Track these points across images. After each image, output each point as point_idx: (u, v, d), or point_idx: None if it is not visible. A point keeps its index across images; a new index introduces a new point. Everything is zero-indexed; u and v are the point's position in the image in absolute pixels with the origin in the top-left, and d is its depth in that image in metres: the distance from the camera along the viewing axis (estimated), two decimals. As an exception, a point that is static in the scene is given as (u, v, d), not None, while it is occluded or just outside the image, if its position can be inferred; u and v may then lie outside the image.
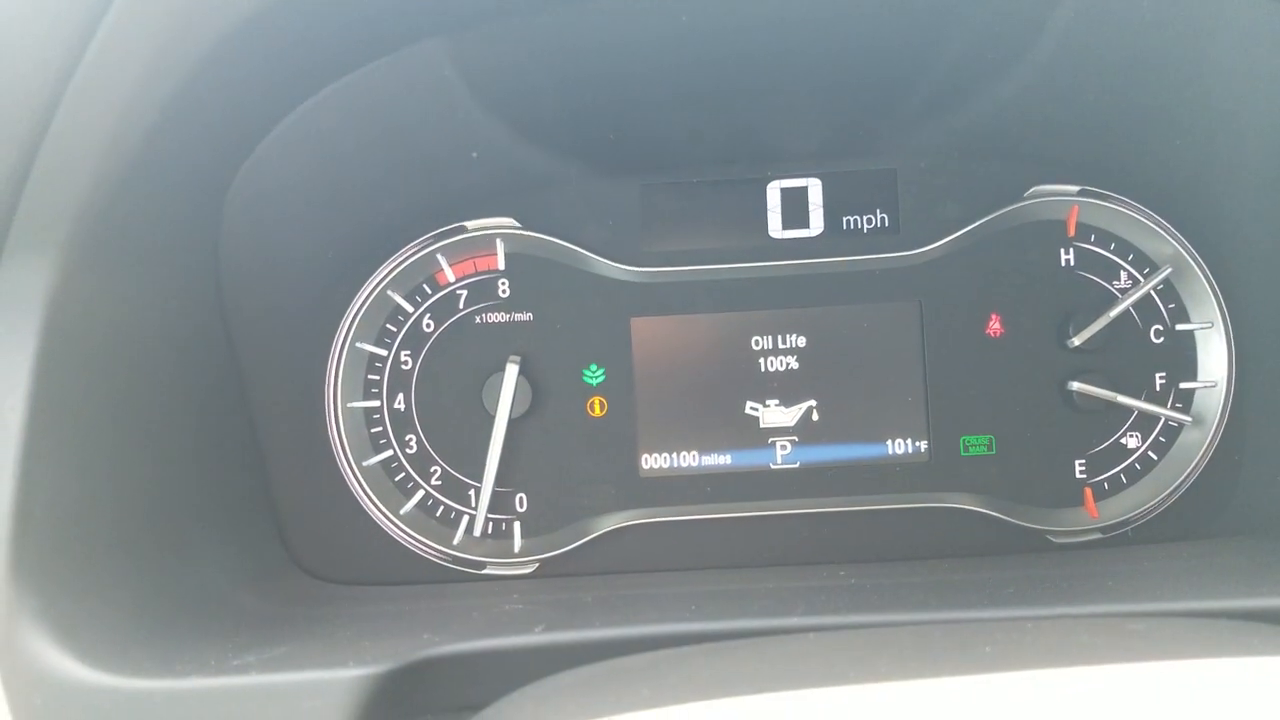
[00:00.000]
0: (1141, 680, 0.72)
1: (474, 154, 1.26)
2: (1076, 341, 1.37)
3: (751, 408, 1.40)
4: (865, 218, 1.41)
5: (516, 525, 1.39)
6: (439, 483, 1.39)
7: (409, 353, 1.39)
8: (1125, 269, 1.41)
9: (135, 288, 1.04)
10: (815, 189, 1.41)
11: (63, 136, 0.88)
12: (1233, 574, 1.19)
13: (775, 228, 1.41)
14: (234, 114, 1.04)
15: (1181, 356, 1.40)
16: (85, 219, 0.92)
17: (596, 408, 1.40)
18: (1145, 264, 1.41)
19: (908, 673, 0.74)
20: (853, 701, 0.71)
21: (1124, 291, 1.39)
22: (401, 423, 1.39)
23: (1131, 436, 1.40)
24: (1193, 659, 0.74)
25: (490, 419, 1.36)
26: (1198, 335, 1.40)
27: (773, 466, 1.40)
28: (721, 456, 1.40)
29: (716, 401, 1.40)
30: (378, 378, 1.39)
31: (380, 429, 1.39)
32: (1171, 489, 1.39)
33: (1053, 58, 1.18)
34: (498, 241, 1.39)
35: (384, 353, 1.39)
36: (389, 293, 1.39)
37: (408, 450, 1.39)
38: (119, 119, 0.90)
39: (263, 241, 1.22)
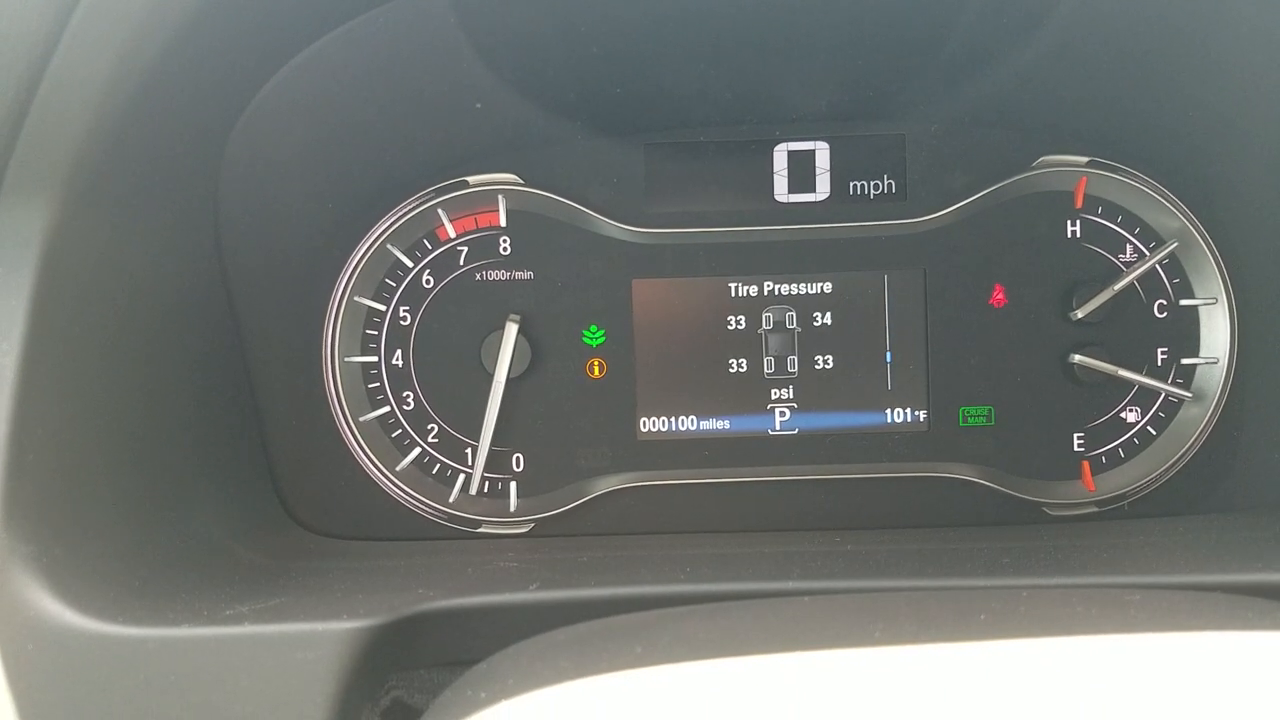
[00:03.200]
0: (1137, 651, 0.72)
1: (478, 105, 1.24)
2: (1080, 314, 1.36)
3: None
4: (872, 183, 1.39)
5: (513, 485, 1.39)
6: (436, 440, 1.39)
7: (408, 308, 1.38)
8: (1131, 242, 1.40)
9: (133, 234, 1.03)
10: (823, 153, 1.39)
11: (60, 78, 0.87)
12: (1228, 549, 1.19)
13: (781, 191, 1.40)
14: (234, 59, 1.02)
15: (1184, 332, 1.39)
16: (83, 162, 0.91)
17: (596, 369, 1.39)
18: (1151, 238, 1.40)
19: (902, 638, 0.74)
20: (847, 665, 0.71)
21: (1129, 265, 1.38)
22: (399, 379, 1.39)
23: (1131, 411, 1.40)
24: (1188, 632, 0.74)
25: (488, 378, 1.36)
26: (1201, 311, 1.39)
27: (771, 432, 1.40)
28: (720, 421, 1.40)
29: (717, 366, 1.39)
30: (376, 333, 1.38)
31: (378, 384, 1.38)
32: (1169, 464, 1.39)
33: (1068, 28, 1.17)
34: (500, 198, 1.38)
35: (383, 308, 1.38)
36: (389, 247, 1.37)
37: (405, 407, 1.39)
38: (117, 61, 0.89)
39: (262, 191, 1.21)
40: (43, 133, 0.88)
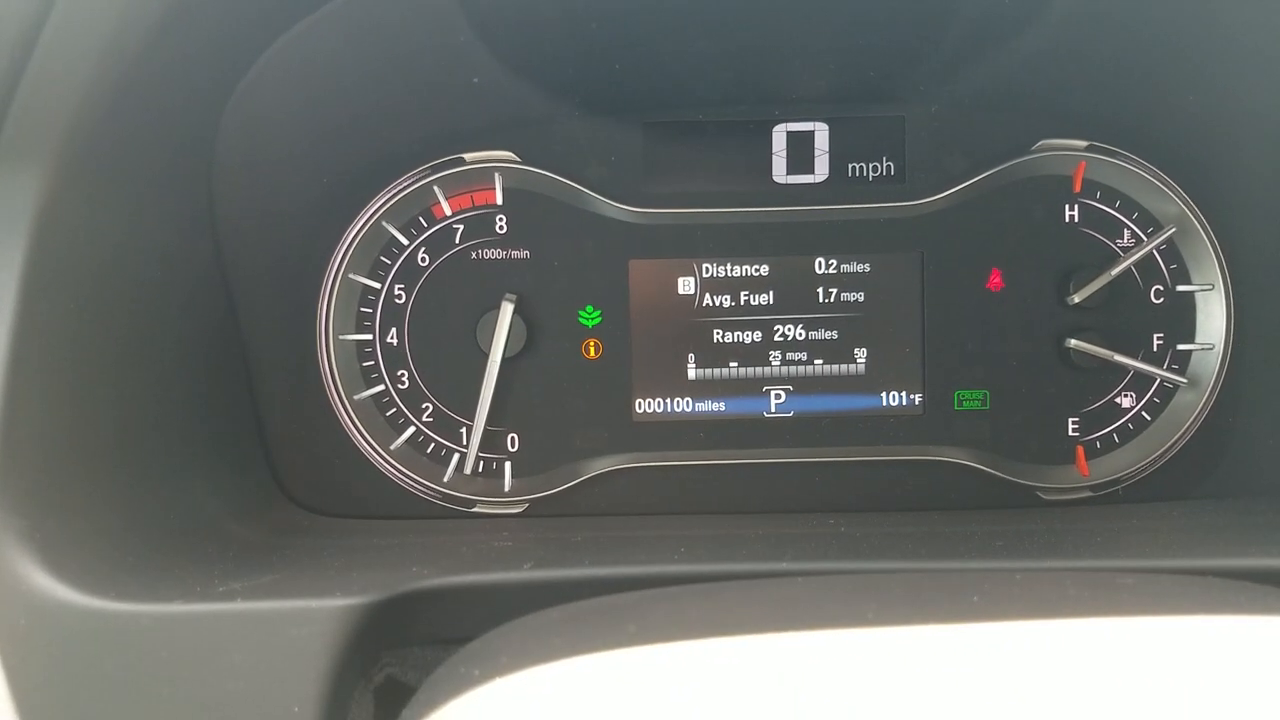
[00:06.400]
0: (1129, 635, 0.72)
1: (475, 80, 1.23)
2: (1076, 299, 1.36)
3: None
4: (871, 165, 1.39)
5: (507, 465, 1.39)
6: (430, 419, 1.39)
7: (403, 287, 1.38)
8: (1129, 227, 1.39)
9: (126, 208, 1.02)
10: (822, 134, 1.39)
11: (54, 48, 0.86)
12: (1221, 534, 1.20)
13: (779, 172, 1.39)
14: (230, 30, 1.02)
15: (1180, 318, 1.39)
16: (76, 133, 0.90)
17: (591, 350, 1.39)
18: (1149, 223, 1.39)
19: (894, 619, 0.74)
20: (838, 645, 0.71)
21: (1126, 250, 1.38)
22: (394, 357, 1.38)
23: (1126, 396, 1.40)
24: (1181, 616, 0.74)
25: (484, 357, 1.35)
26: (1198, 297, 1.39)
27: (766, 415, 1.40)
28: (715, 403, 1.40)
29: (712, 348, 1.39)
30: (371, 311, 1.37)
31: (372, 363, 1.38)
32: (1163, 450, 1.39)
33: (1069, 11, 1.16)
34: (496, 176, 1.37)
35: (377, 285, 1.37)
36: (384, 224, 1.36)
37: (399, 386, 1.38)
38: (112, 32, 0.88)
39: (257, 166, 1.20)
40: (36, 101, 0.87)
